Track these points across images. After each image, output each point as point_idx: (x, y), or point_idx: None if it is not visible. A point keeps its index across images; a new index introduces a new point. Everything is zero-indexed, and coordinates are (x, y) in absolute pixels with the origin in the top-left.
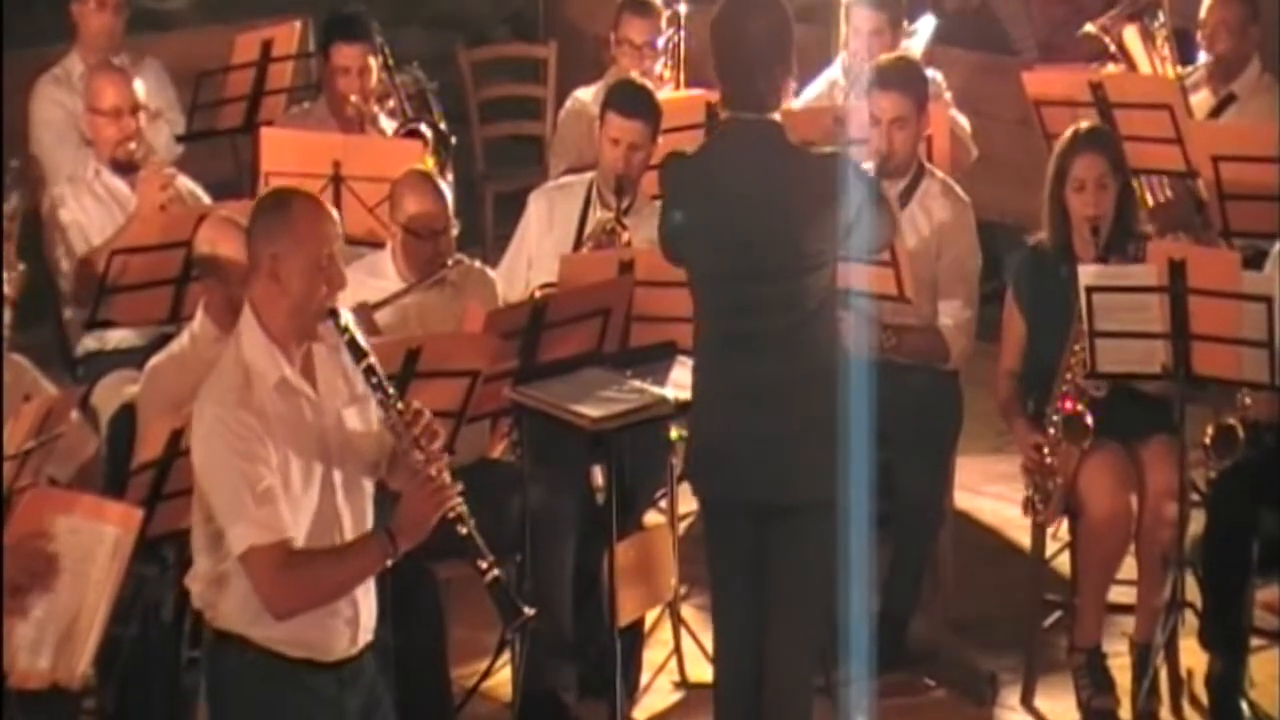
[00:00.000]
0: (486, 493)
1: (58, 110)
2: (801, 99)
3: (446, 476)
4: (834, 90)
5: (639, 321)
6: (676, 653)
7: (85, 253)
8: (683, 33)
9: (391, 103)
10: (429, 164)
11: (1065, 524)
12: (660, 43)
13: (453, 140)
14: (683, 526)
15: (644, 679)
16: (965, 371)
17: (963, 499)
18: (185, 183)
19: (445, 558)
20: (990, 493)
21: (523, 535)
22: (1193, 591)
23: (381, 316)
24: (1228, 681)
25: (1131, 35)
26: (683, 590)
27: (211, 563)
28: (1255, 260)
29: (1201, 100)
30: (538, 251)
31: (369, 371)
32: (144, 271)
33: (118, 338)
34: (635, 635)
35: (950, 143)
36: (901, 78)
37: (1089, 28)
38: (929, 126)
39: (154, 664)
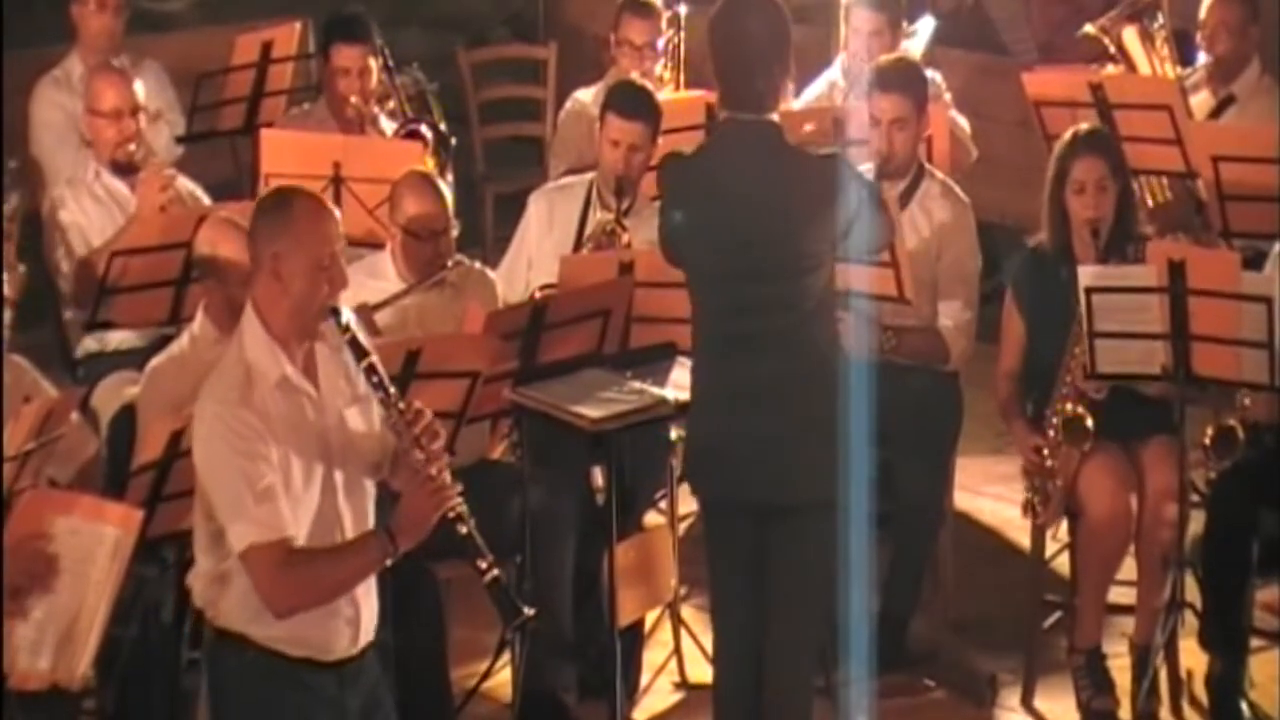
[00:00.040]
0: (486, 493)
1: (57, 112)
2: (801, 100)
3: (447, 476)
4: (833, 91)
5: (639, 322)
6: (676, 654)
7: (85, 254)
8: (683, 34)
9: (391, 104)
10: (429, 165)
11: (1065, 524)
12: (660, 44)
13: (453, 141)
14: (683, 527)
15: (644, 680)
16: (965, 372)
17: (963, 500)
18: (185, 184)
19: (445, 558)
20: (990, 493)
21: (523, 536)
22: (1192, 592)
23: (381, 317)
24: (1227, 682)
25: (1131, 36)
26: (683, 591)
27: (212, 561)
28: (1255, 261)
29: (1201, 101)
30: (538, 252)
31: (370, 371)
32: (144, 273)
33: (118, 339)
34: (635, 636)
35: (950, 144)
36: (901, 79)
37: (1088, 29)
38: (929, 127)
39: (154, 665)
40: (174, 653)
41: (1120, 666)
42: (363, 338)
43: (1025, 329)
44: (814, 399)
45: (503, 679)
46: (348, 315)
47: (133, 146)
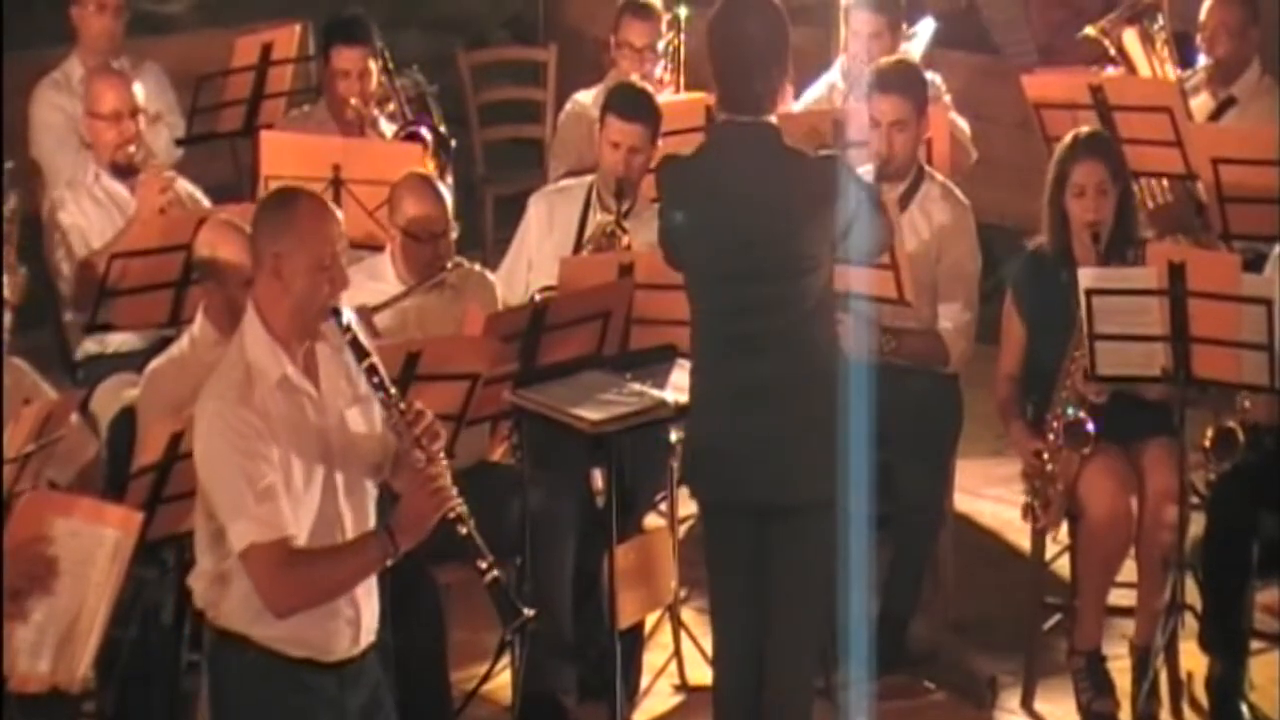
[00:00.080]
0: (486, 495)
1: (57, 114)
2: (801, 102)
3: (448, 477)
4: (833, 93)
5: (639, 324)
6: (676, 656)
7: (85, 256)
8: (683, 36)
9: (391, 106)
10: (429, 167)
11: (1065, 526)
12: (660, 46)
13: (452, 143)
14: (683, 529)
15: (644, 682)
16: (965, 374)
17: (963, 501)
18: (185, 186)
19: (445, 561)
20: (990, 495)
21: (522, 538)
22: (1193, 594)
23: (381, 319)
24: (1228, 684)
25: (1131, 38)
26: (682, 593)
27: (213, 561)
28: (1255, 263)
29: (1201, 103)
30: (538, 254)
31: (371, 371)
32: (144, 275)
33: (118, 341)
34: (635, 638)
35: (950, 146)
36: (901, 81)
37: (1088, 31)
38: (929, 129)
39: (154, 667)
40: (174, 655)
41: (1120, 668)
42: (364, 338)
43: (1025, 332)
44: (813, 399)
45: (502, 681)
46: (349, 315)
47: (132, 149)
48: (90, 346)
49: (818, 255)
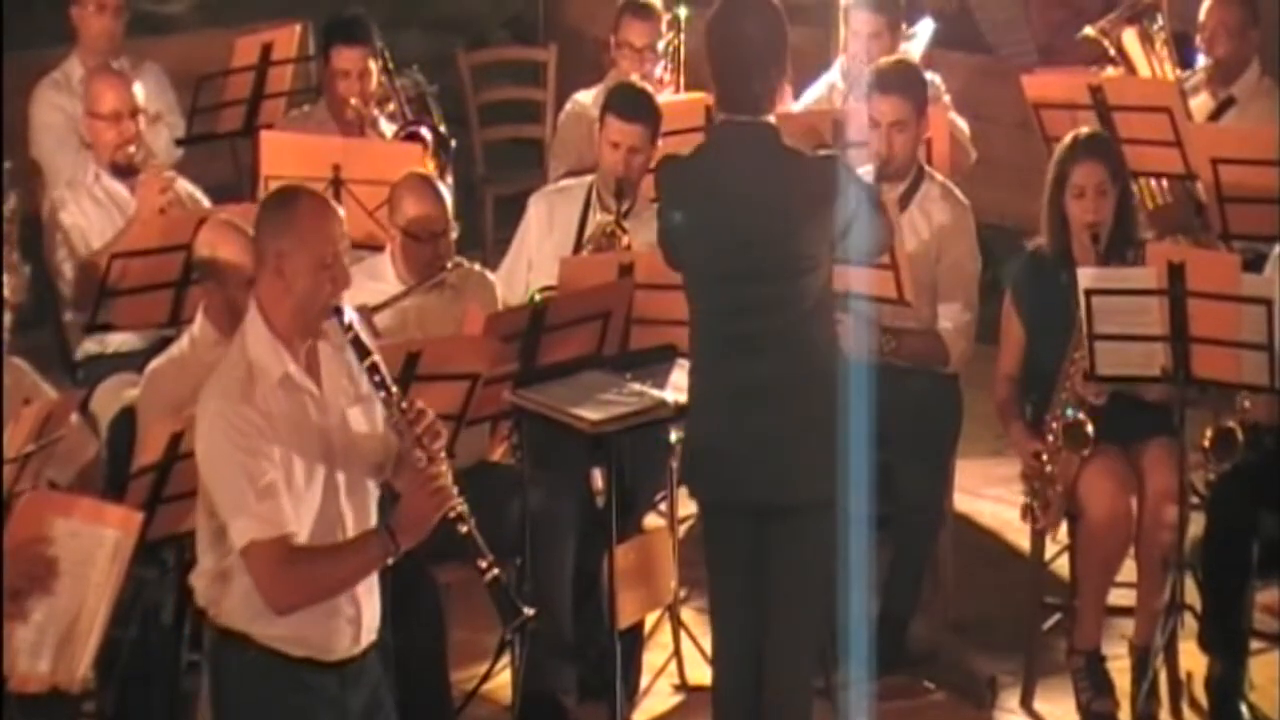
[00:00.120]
0: (486, 495)
1: (57, 114)
2: (800, 102)
3: (449, 476)
4: (832, 94)
5: (639, 324)
6: (676, 655)
7: (85, 256)
8: (683, 36)
9: (391, 106)
10: (429, 167)
11: (1065, 526)
12: (660, 46)
13: (452, 143)
14: (682, 529)
15: (644, 682)
16: (965, 374)
17: (962, 501)
18: (185, 186)
19: (445, 560)
20: (990, 495)
21: (522, 538)
22: (1192, 594)
23: (381, 319)
24: (1227, 684)
25: (1131, 38)
26: (682, 593)
27: (215, 559)
28: (1255, 263)
29: (1201, 103)
30: (538, 254)
31: (373, 369)
32: (144, 275)
33: (118, 341)
34: (635, 638)
35: (949, 146)
36: (901, 81)
37: (1088, 31)
38: (928, 130)
39: (154, 667)
40: (174, 655)
41: (1120, 668)
42: (365, 337)
43: (1024, 333)
44: (813, 399)
45: (502, 681)
46: (350, 314)
47: (132, 149)
48: (90, 346)
49: (816, 255)
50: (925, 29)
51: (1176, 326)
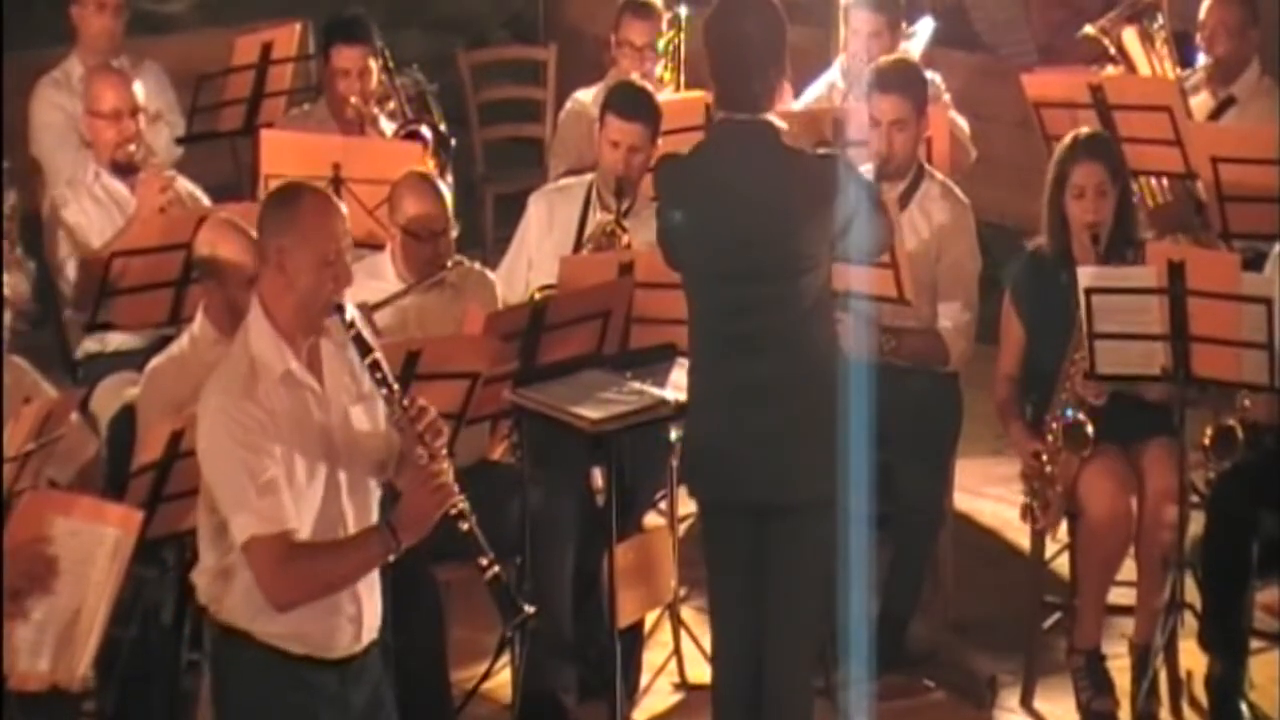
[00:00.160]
0: (486, 494)
1: (57, 113)
2: (800, 101)
3: (450, 473)
4: (833, 93)
5: (639, 323)
6: (676, 654)
7: (85, 255)
8: (683, 35)
9: (391, 105)
10: (429, 166)
11: (1065, 525)
12: (660, 45)
13: (452, 142)
14: (682, 528)
15: (644, 680)
16: (965, 373)
17: (962, 501)
18: (185, 185)
19: (445, 559)
20: (990, 494)
21: (522, 537)
22: (1192, 593)
23: (381, 318)
24: (1227, 683)
25: (1131, 37)
26: (682, 592)
27: (216, 556)
28: (1255, 262)
29: (1201, 102)
30: (538, 253)
31: (374, 367)
32: (144, 274)
33: (118, 340)
34: (635, 637)
35: (950, 145)
36: (901, 80)
37: (1088, 30)
38: (928, 128)
39: (154, 666)
40: (174, 654)
41: (1120, 667)
42: (367, 334)
43: (1024, 333)
44: (812, 398)
45: (502, 680)
46: (352, 311)
47: (132, 147)
48: (90, 345)
49: (816, 254)
50: (925, 28)
51: (1176, 325)
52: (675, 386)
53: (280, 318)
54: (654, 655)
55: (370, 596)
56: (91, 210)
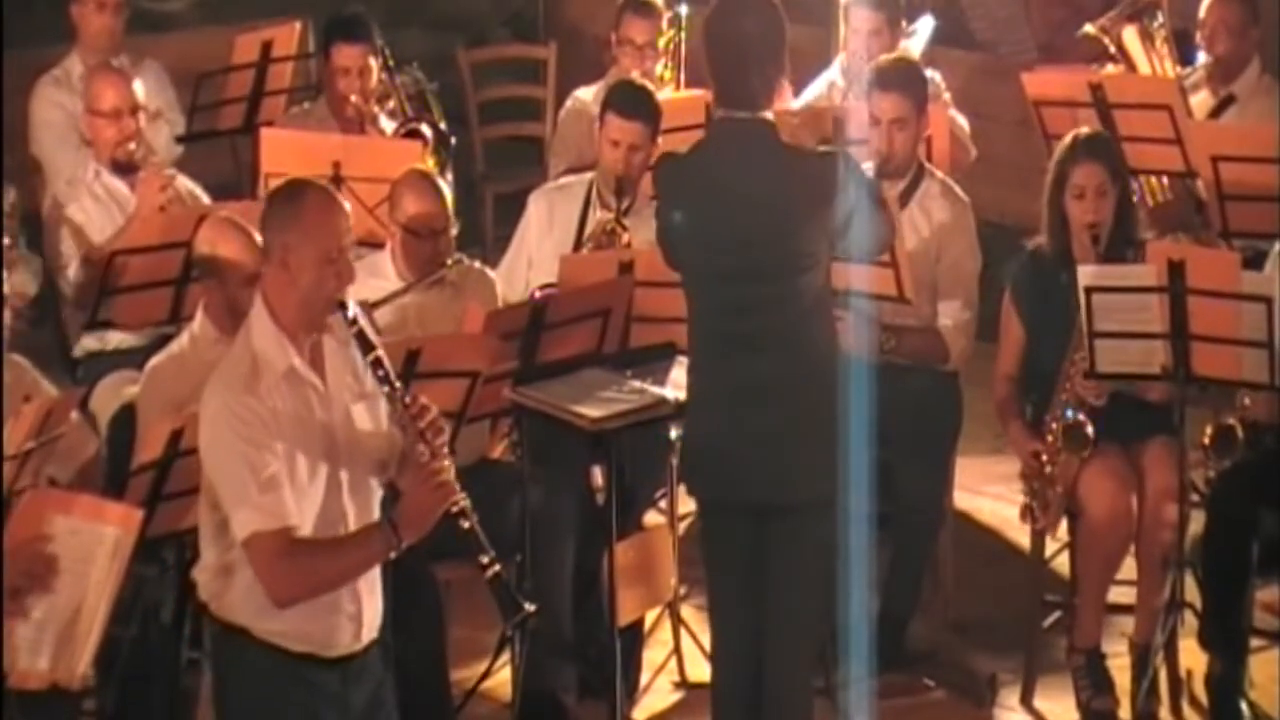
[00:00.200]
0: (486, 493)
1: (57, 111)
2: (800, 100)
3: (451, 471)
4: (833, 91)
5: (639, 322)
6: (676, 653)
7: (85, 253)
8: (683, 34)
9: (391, 103)
10: (429, 164)
11: (1065, 524)
12: (661, 43)
13: (452, 141)
14: (682, 527)
15: (644, 679)
16: (965, 372)
17: (962, 499)
18: (185, 183)
19: (445, 558)
20: (990, 493)
21: (522, 536)
22: (1192, 592)
23: (381, 316)
24: (1227, 682)
25: (1131, 36)
26: (682, 590)
27: (218, 553)
28: (1255, 261)
29: (1201, 101)
30: (538, 252)
31: (376, 364)
32: (144, 272)
33: (118, 338)
34: (635, 635)
35: (950, 143)
36: (901, 78)
37: (1088, 29)
38: (929, 127)
39: (154, 665)
40: (174, 653)
41: (1120, 666)
42: (370, 331)
43: (1024, 333)
44: (812, 397)
45: (502, 678)
46: (355, 309)
47: (132, 146)
48: (90, 344)
49: (815, 253)
50: (925, 26)
51: (1176, 324)
52: (675, 385)
53: (283, 314)
54: (654, 654)
55: (371, 595)
56: (91, 209)
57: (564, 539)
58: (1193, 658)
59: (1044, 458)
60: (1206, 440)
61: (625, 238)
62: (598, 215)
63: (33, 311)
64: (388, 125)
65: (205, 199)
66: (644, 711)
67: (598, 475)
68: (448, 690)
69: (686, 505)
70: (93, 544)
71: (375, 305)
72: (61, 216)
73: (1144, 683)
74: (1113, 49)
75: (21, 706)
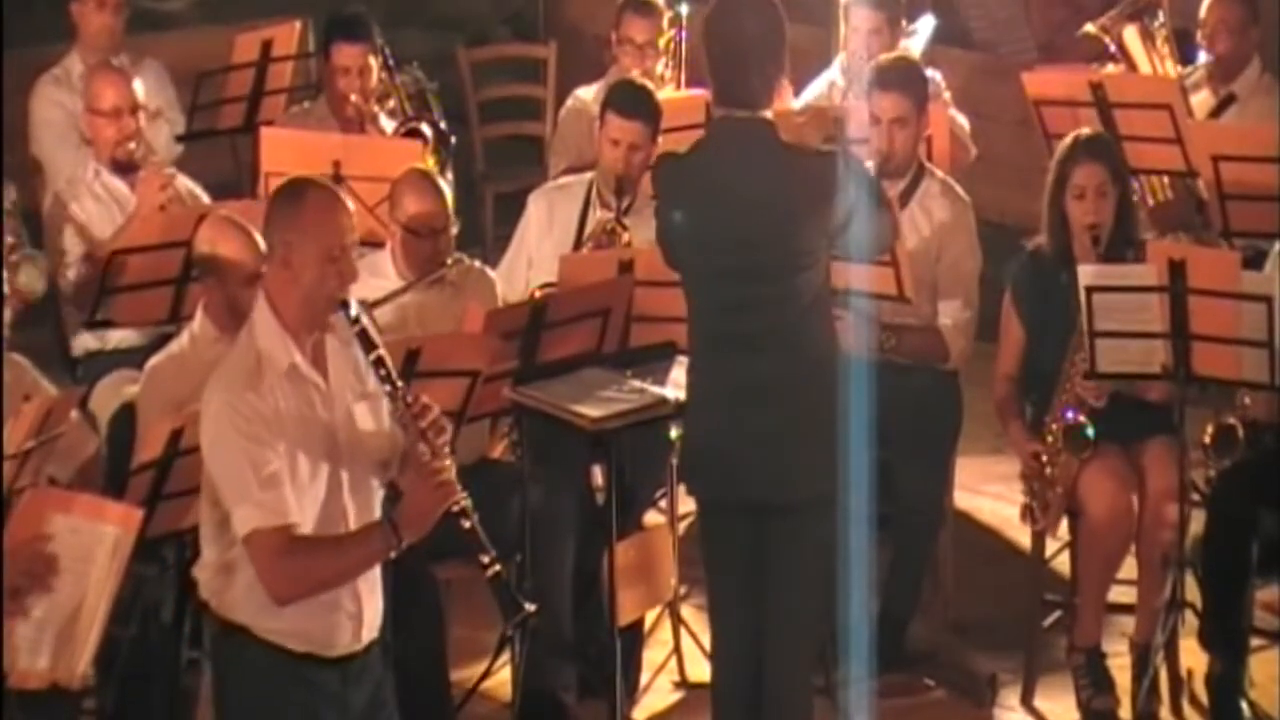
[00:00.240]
0: (486, 493)
1: (57, 110)
2: (800, 99)
3: (452, 470)
4: (833, 90)
5: (639, 321)
6: (676, 652)
7: (85, 252)
8: (684, 33)
9: (392, 103)
10: (429, 163)
11: (1065, 524)
12: (661, 42)
13: (452, 140)
14: (682, 526)
15: (644, 679)
16: (965, 372)
17: (962, 499)
18: (185, 183)
19: (445, 558)
20: (990, 493)
21: (523, 535)
22: (1193, 591)
23: (381, 315)
24: (1228, 681)
25: (1131, 35)
26: (682, 590)
27: (219, 551)
28: (1255, 260)
29: (1201, 100)
30: (538, 252)
31: (378, 363)
32: (144, 271)
33: (118, 337)
34: (635, 635)
35: (950, 143)
36: (902, 78)
37: (1089, 28)
38: (929, 126)
39: (154, 664)
40: (174, 652)
41: (1120, 666)
42: (372, 330)
43: (1024, 333)
44: (812, 396)
45: (502, 678)
46: (357, 308)
47: (132, 145)
48: (90, 343)
49: (814, 252)
50: (926, 25)
51: (1177, 324)
52: (675, 385)
53: (286, 313)
54: (654, 653)
55: (371, 594)
56: (92, 208)
57: (564, 539)
58: (1193, 657)
59: (1044, 458)
60: (1207, 440)
61: (625, 237)
62: (598, 215)
63: (27, 312)
64: (388, 125)
65: (205, 198)
66: (644, 711)
67: (598, 475)
68: (448, 690)
69: (686, 505)
70: (93, 543)
71: (375, 304)
72: (65, 214)
73: (1144, 682)
74: (1113, 48)
75: (21, 706)
